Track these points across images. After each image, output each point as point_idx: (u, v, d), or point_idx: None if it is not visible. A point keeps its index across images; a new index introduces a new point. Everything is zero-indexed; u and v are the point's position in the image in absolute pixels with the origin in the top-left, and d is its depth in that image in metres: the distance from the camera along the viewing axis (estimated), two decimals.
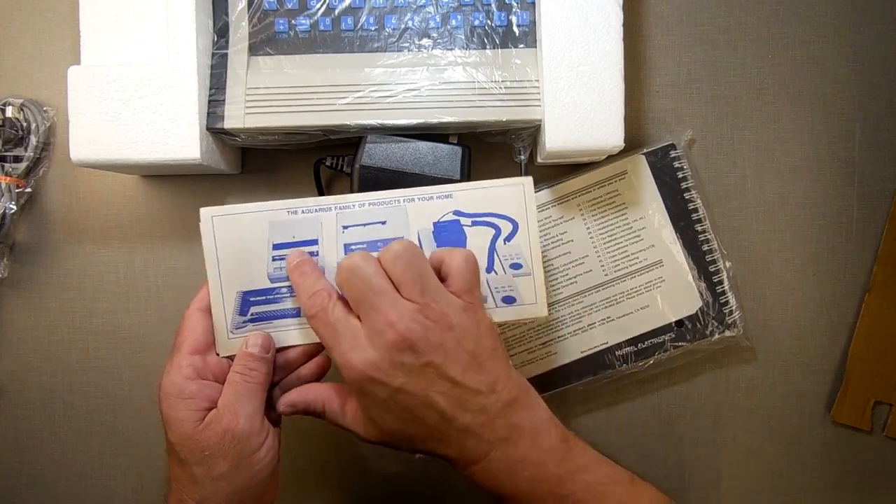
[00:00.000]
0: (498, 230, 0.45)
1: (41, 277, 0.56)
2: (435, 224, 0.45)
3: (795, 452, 0.55)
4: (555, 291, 0.53)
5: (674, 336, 0.53)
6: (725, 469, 0.55)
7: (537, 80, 0.48)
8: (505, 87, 0.48)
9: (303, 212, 0.44)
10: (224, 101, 0.48)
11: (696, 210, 0.53)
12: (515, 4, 0.49)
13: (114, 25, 0.48)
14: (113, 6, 0.48)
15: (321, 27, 0.49)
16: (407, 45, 0.49)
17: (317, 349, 0.45)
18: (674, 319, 0.53)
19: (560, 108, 0.47)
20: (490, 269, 0.45)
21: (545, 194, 0.53)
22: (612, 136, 0.47)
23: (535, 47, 0.49)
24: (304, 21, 0.49)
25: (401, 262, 0.39)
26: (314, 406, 0.44)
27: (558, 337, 0.53)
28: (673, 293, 0.53)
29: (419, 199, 0.44)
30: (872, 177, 0.55)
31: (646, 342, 0.53)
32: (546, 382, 0.53)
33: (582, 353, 0.53)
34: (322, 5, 0.49)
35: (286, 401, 0.44)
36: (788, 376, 0.55)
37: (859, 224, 0.55)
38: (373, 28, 0.49)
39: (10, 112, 0.54)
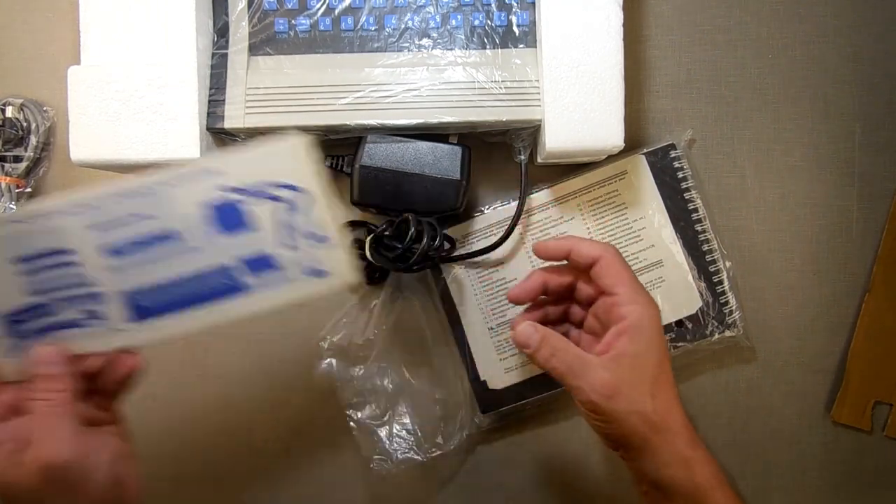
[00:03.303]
0: (285, 201, 0.40)
1: None
2: (213, 207, 0.39)
3: (795, 452, 0.55)
4: None
5: (674, 336, 0.53)
6: (725, 469, 0.54)
7: (537, 80, 0.48)
8: (505, 87, 0.48)
9: (32, 221, 0.39)
10: (224, 101, 0.48)
11: (696, 210, 0.53)
12: (515, 4, 0.49)
13: (114, 25, 0.48)
14: (113, 6, 0.48)
15: (321, 27, 0.49)
16: (407, 45, 0.49)
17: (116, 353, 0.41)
18: (674, 319, 0.53)
19: (560, 108, 0.47)
20: (288, 244, 0.40)
21: (545, 194, 0.53)
22: (612, 136, 0.47)
23: (535, 47, 0.49)
24: (304, 21, 0.49)
25: None
26: (547, 342, 0.44)
27: None
28: (673, 293, 0.53)
29: (180, 181, 0.39)
30: (872, 177, 0.55)
31: None
32: (546, 382, 0.53)
33: None
34: (322, 5, 0.49)
35: (518, 328, 0.44)
36: (788, 376, 0.55)
37: (859, 224, 0.55)
38: (373, 28, 0.49)
39: (10, 112, 0.54)
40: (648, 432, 0.42)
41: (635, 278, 0.44)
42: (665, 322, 0.52)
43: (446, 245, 0.51)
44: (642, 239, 0.53)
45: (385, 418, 0.53)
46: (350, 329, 0.54)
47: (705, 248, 0.53)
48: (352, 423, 0.53)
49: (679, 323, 0.52)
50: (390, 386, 0.54)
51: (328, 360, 0.54)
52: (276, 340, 0.55)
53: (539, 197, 0.53)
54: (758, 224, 0.55)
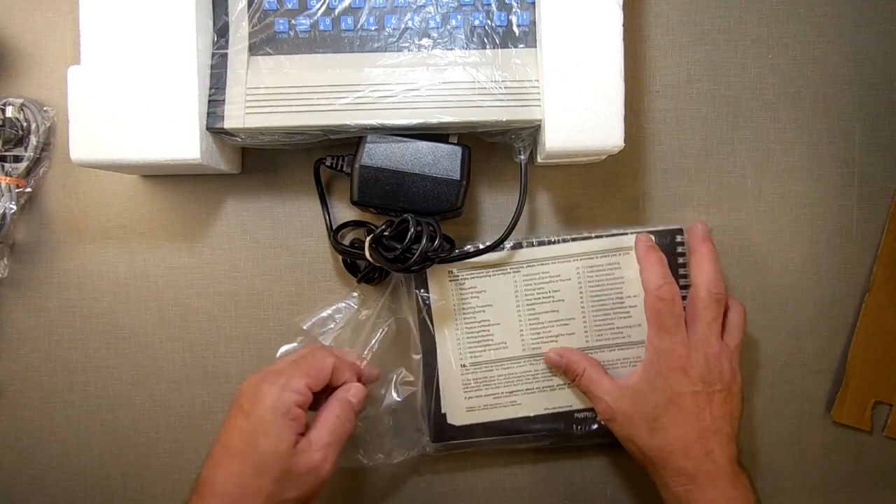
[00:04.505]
0: None
1: (41, 277, 0.56)
2: None
3: (795, 452, 0.55)
4: (534, 345, 0.52)
5: None
6: None
7: (537, 80, 0.48)
8: (505, 87, 0.48)
9: None
10: (224, 101, 0.48)
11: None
12: (515, 4, 0.49)
13: (114, 25, 0.48)
14: (113, 6, 0.48)
15: (321, 27, 0.49)
16: (407, 45, 0.49)
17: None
18: None
19: (560, 108, 0.47)
20: None
21: (546, 250, 0.52)
22: (612, 136, 0.47)
23: (535, 47, 0.49)
24: (304, 21, 0.49)
25: None
26: (576, 366, 0.50)
27: (526, 389, 0.52)
28: None
29: None
30: (872, 177, 0.55)
31: None
32: (502, 429, 0.52)
33: (545, 410, 0.52)
34: (322, 5, 0.49)
35: (555, 352, 0.51)
36: (788, 376, 0.55)
37: (859, 224, 0.55)
38: (373, 28, 0.49)
39: (10, 112, 0.54)
40: (645, 462, 0.49)
41: (668, 321, 0.48)
42: None
43: (446, 245, 0.51)
44: (631, 316, 0.52)
45: None
46: (337, 323, 0.53)
47: None
48: None
49: None
50: None
51: (299, 339, 0.53)
52: (276, 341, 0.55)
53: (540, 251, 0.52)
54: (758, 224, 0.55)
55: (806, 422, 0.55)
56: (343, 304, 0.54)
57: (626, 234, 0.52)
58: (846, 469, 0.55)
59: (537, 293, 0.52)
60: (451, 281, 0.53)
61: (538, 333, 0.52)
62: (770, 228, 0.55)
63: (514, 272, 0.52)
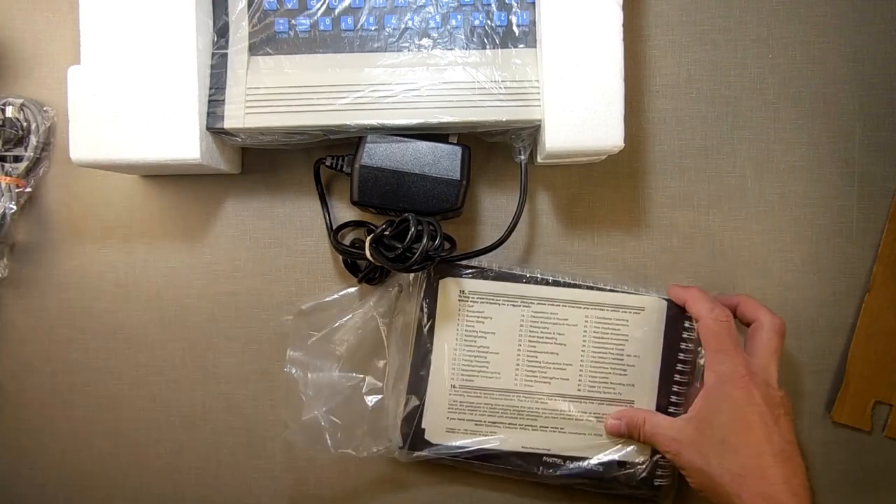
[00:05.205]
0: None
1: (41, 277, 0.56)
2: None
3: None
4: (526, 382, 0.52)
5: (603, 475, 0.51)
6: None
7: (537, 80, 0.48)
8: (505, 87, 0.48)
9: None
10: (224, 101, 0.48)
11: (684, 372, 0.51)
12: (515, 4, 0.49)
13: (114, 25, 0.48)
14: (113, 6, 0.48)
15: (321, 27, 0.49)
16: (407, 45, 0.49)
17: None
18: (617, 459, 0.51)
19: (560, 108, 0.47)
20: None
21: (559, 291, 0.52)
22: (612, 136, 0.47)
23: (535, 47, 0.49)
24: (304, 21, 0.49)
25: None
26: (636, 419, 0.50)
27: (509, 423, 0.52)
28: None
29: None
30: (872, 177, 0.55)
31: (583, 466, 0.51)
32: (475, 455, 0.52)
33: (522, 447, 0.52)
34: (322, 5, 0.49)
35: (613, 417, 0.51)
36: (788, 376, 0.55)
37: (859, 224, 0.55)
38: (373, 28, 0.49)
39: (10, 112, 0.54)
40: (718, 498, 0.46)
41: (726, 342, 0.48)
42: (609, 459, 0.51)
43: (446, 245, 0.51)
44: (626, 374, 0.52)
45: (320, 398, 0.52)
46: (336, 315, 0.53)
47: (671, 410, 0.51)
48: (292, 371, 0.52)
49: (621, 464, 0.51)
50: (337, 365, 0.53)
51: (289, 318, 0.53)
52: (276, 341, 0.55)
53: (553, 291, 0.52)
54: (758, 224, 0.55)
55: (806, 422, 0.55)
56: (346, 296, 0.54)
57: (641, 294, 0.52)
58: (846, 469, 0.55)
59: (541, 332, 0.52)
60: (460, 300, 0.52)
61: (533, 372, 0.52)
62: (770, 228, 0.55)
63: (524, 306, 0.52)
